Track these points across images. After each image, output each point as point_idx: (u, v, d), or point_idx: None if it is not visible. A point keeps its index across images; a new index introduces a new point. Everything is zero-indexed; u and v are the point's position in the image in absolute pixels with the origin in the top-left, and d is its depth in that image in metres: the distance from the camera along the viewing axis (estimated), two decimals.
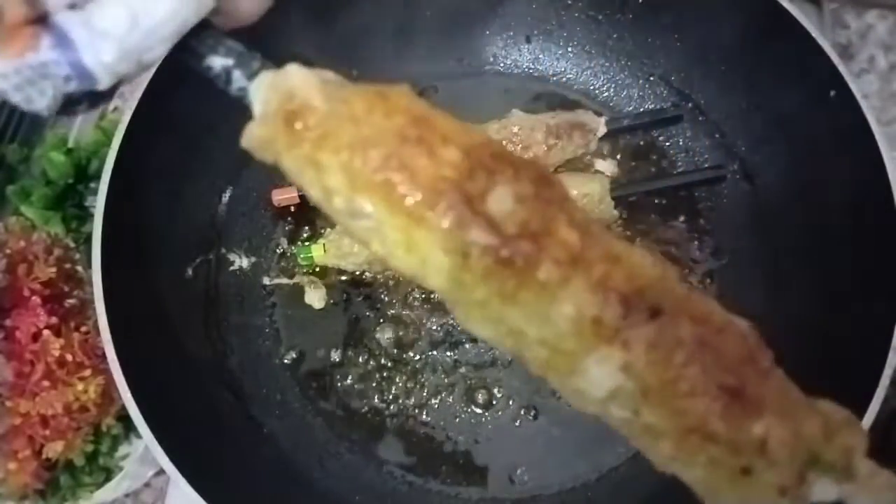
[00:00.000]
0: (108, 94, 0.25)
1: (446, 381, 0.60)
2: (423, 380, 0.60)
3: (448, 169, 0.22)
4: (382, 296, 0.62)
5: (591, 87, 0.69)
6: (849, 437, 0.24)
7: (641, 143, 0.67)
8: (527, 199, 0.23)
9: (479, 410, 0.59)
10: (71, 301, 0.55)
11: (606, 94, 0.68)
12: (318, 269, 0.63)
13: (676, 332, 0.23)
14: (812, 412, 0.25)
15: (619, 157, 0.66)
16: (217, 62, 0.26)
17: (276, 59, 0.26)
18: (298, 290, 0.63)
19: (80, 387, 0.52)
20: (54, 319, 0.52)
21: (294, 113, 0.24)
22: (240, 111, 0.29)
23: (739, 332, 0.24)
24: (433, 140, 0.23)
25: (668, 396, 0.23)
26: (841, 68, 0.52)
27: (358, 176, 0.23)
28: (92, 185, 0.64)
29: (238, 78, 0.26)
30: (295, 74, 0.24)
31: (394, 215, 0.23)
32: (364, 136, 0.23)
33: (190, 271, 0.59)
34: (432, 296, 0.62)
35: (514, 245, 0.22)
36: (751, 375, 0.23)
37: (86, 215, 0.64)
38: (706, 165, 0.65)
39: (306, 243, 0.62)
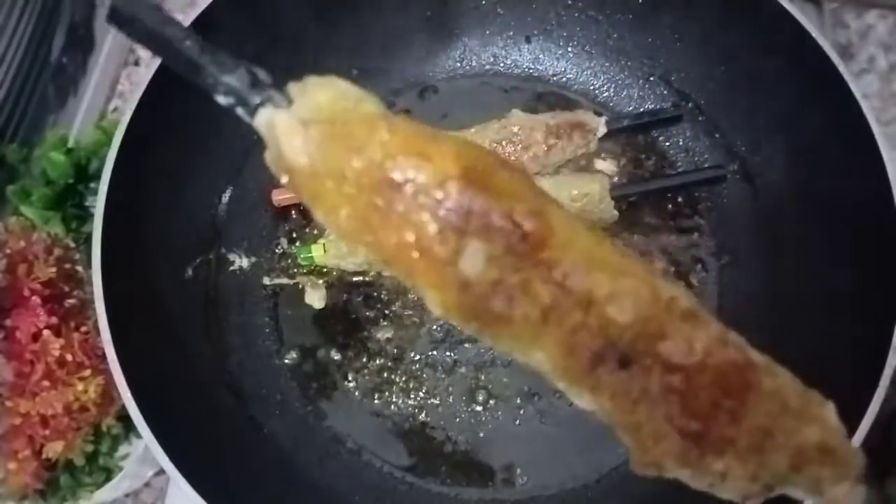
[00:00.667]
0: None
1: (446, 380, 0.60)
2: (423, 380, 0.60)
3: (419, 230, 0.23)
4: (382, 296, 0.62)
5: (591, 87, 0.69)
6: (823, 470, 0.24)
7: (641, 143, 0.67)
8: (498, 258, 0.23)
9: (478, 410, 0.59)
10: (71, 301, 0.55)
11: (606, 94, 0.68)
12: (317, 269, 0.63)
13: (644, 382, 0.24)
14: (790, 443, 0.24)
15: (619, 157, 0.66)
16: (221, 100, 0.26)
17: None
18: (298, 290, 0.63)
19: (80, 387, 0.52)
20: (54, 319, 0.52)
21: (285, 168, 0.25)
22: None
23: (726, 361, 0.24)
24: (408, 206, 0.23)
25: (634, 434, 0.25)
26: (841, 68, 0.52)
27: (345, 232, 0.24)
28: (92, 185, 0.64)
29: (242, 114, 0.26)
30: (280, 124, 0.25)
31: (383, 264, 0.25)
32: (344, 196, 0.24)
33: (190, 271, 0.59)
34: None
35: (487, 304, 0.23)
36: (719, 417, 0.24)
37: (86, 215, 0.63)
38: (706, 165, 0.65)
39: (306, 243, 0.62)
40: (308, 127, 0.24)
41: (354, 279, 0.63)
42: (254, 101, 0.25)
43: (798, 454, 0.24)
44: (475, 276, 0.23)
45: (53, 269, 0.54)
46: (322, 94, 0.25)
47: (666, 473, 0.25)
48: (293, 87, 0.25)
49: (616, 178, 0.65)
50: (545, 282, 0.23)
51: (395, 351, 0.61)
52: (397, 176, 0.23)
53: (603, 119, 0.64)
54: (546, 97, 0.69)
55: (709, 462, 0.24)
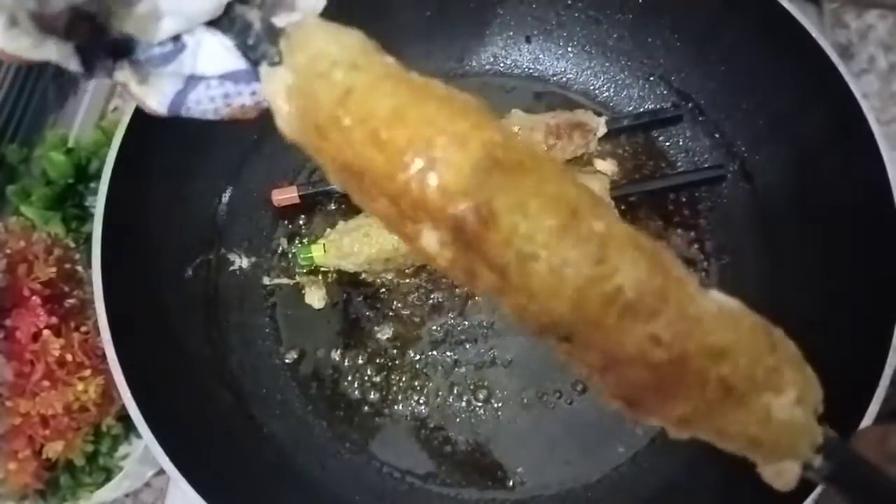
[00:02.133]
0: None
1: (446, 381, 0.60)
2: (423, 380, 0.60)
3: (384, 210, 0.24)
4: (382, 296, 0.62)
5: (591, 87, 0.69)
6: (754, 454, 0.26)
7: (641, 143, 0.67)
8: (448, 243, 0.24)
9: (479, 410, 0.59)
10: (71, 301, 0.55)
11: (606, 94, 0.68)
12: (317, 269, 0.63)
13: (584, 356, 0.25)
14: (721, 427, 0.26)
15: (619, 157, 0.66)
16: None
17: None
18: (298, 290, 0.63)
19: (80, 387, 0.52)
20: (54, 319, 0.52)
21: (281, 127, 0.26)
22: None
23: (659, 359, 0.24)
24: (369, 188, 0.24)
25: (589, 380, 0.27)
26: (841, 68, 0.52)
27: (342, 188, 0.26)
28: (92, 185, 0.64)
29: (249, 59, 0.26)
30: (270, 89, 0.25)
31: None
32: (324, 163, 0.25)
33: (190, 271, 0.59)
34: (432, 296, 0.62)
35: (451, 274, 0.25)
36: (650, 399, 0.25)
37: (86, 215, 0.64)
38: (706, 165, 0.65)
39: (306, 243, 0.62)
40: (290, 98, 0.25)
41: (354, 279, 0.63)
42: (252, 57, 0.25)
43: (729, 438, 0.26)
44: (434, 254, 0.24)
45: (53, 269, 0.54)
46: (301, 55, 0.25)
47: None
48: (283, 43, 0.25)
49: (616, 178, 0.65)
50: (490, 269, 0.24)
51: (395, 351, 0.61)
52: (355, 164, 0.24)
53: (603, 119, 0.64)
54: (546, 97, 0.69)
55: (650, 419, 0.26)
